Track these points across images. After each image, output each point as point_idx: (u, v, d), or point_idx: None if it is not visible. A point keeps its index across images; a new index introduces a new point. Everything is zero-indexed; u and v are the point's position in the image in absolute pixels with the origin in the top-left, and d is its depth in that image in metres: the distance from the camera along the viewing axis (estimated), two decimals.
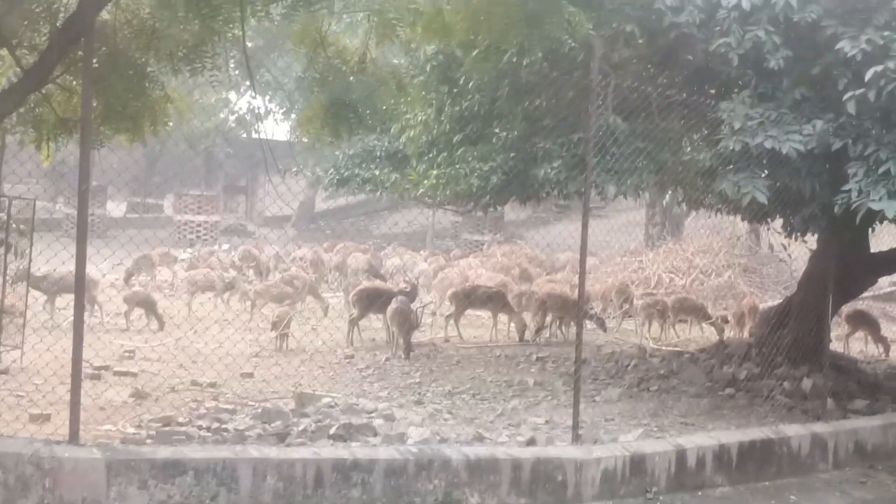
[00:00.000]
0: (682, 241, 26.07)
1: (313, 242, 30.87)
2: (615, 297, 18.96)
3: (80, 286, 6.87)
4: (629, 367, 13.52)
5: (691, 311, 17.16)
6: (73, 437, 6.89)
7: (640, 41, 11.38)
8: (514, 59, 11.16)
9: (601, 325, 16.46)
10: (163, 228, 31.95)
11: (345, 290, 17.96)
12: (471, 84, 12.01)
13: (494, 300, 16.51)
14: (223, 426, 9.34)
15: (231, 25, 6.93)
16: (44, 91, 7.51)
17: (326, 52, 8.69)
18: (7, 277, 12.26)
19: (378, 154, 15.87)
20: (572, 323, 15.50)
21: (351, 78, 8.49)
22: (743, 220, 15.40)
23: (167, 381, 11.61)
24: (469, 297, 16.39)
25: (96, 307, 15.69)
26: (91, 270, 7.54)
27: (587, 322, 15.88)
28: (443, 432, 9.23)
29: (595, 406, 11.09)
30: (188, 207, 35.38)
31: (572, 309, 15.06)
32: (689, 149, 12.14)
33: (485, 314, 17.22)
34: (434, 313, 17.21)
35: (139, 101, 7.57)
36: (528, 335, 16.03)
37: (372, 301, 14.81)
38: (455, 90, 12.37)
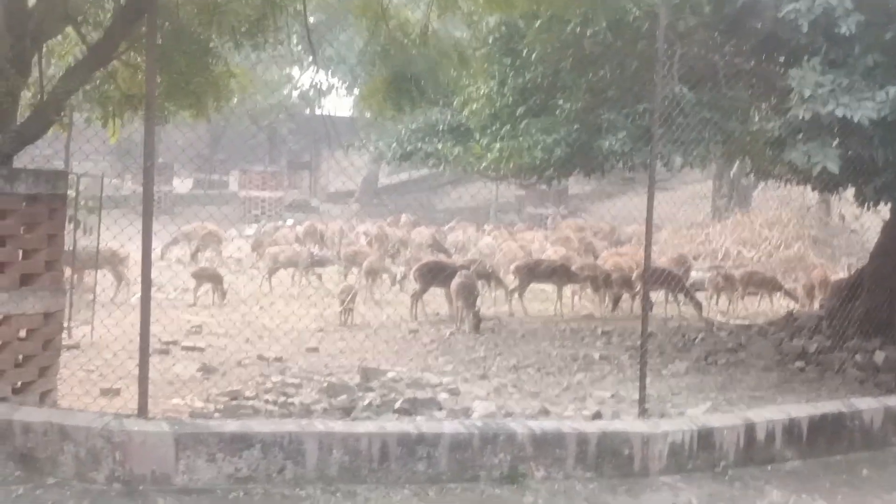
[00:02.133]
0: (750, 213, 25.70)
1: (377, 217, 30.96)
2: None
3: (147, 262, 6.91)
4: (696, 341, 13.35)
5: (761, 283, 16.93)
6: (142, 411, 6.95)
7: (707, 9, 11.17)
8: (578, 30, 11.01)
9: (695, 302, 15.90)
10: (228, 204, 32.17)
11: (407, 264, 17.95)
12: (534, 55, 11.86)
13: (559, 273, 16.41)
14: (289, 400, 9.38)
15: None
16: (109, 68, 7.54)
17: (388, 25, 8.65)
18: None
19: (441, 128, 15.78)
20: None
21: (413, 51, 8.42)
22: (813, 190, 15.12)
23: (234, 355, 11.68)
24: (533, 271, 16.31)
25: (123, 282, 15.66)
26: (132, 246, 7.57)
27: (683, 298, 15.72)
28: (508, 406, 9.19)
29: (662, 380, 10.97)
30: (253, 183, 35.61)
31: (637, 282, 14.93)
32: (757, 118, 11.91)
33: (549, 288, 17.11)
34: (497, 287, 17.14)
35: (202, 76, 7.57)
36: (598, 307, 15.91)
37: (435, 275, 14.78)
38: (518, 62, 12.24)
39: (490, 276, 16.84)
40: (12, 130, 6.71)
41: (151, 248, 7.07)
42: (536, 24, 11.17)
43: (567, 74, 11.79)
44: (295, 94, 37.36)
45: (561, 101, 12.04)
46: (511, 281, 16.91)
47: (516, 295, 16.30)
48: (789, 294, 16.45)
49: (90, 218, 12.22)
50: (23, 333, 6.86)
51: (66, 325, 11.90)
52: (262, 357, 11.59)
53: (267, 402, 9.30)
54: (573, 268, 16.74)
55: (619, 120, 11.26)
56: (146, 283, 7.03)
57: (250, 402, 9.18)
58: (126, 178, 33.04)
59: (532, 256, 19.27)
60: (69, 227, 11.71)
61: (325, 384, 10.00)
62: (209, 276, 16.02)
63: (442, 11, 8.83)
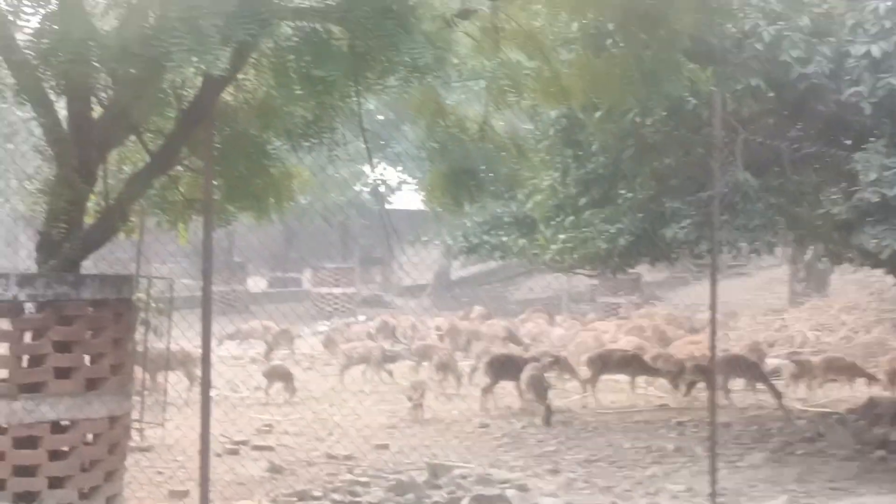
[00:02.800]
0: (828, 298, 25.26)
1: (449, 311, 30.96)
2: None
3: (207, 363, 6.97)
4: (774, 431, 13.06)
5: (841, 370, 16.52)
6: None
7: (769, 95, 11.15)
8: (637, 119, 11.04)
9: (773, 390, 15.45)
10: (301, 302, 32.45)
11: (477, 357, 17.85)
12: (594, 146, 11.92)
13: (632, 364, 16.19)
14: (357, 499, 9.34)
15: (347, 100, 7.03)
16: (171, 173, 7.70)
17: (445, 121, 8.73)
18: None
19: (506, 220, 15.84)
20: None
21: (470, 146, 8.49)
22: (887, 273, 14.82)
23: (304, 454, 11.70)
24: (606, 362, 16.12)
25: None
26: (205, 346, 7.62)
27: (760, 385, 15.38)
28: (577, 502, 9.04)
29: (738, 472, 10.72)
30: (325, 280, 35.90)
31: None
32: (824, 202, 11.77)
33: (622, 378, 16.88)
34: (569, 379, 16.97)
35: (261, 178, 7.70)
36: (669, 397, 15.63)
37: (505, 368, 14.69)
38: (580, 153, 12.29)
39: (562, 368, 16.68)
40: (78, 238, 6.86)
41: (211, 349, 7.14)
42: (596, 115, 11.22)
43: (628, 163, 11.79)
44: (366, 190, 37.79)
45: (623, 191, 12.03)
46: (584, 372, 16.73)
47: (589, 386, 16.10)
48: (870, 378, 16.01)
49: (161, 320, 12.36)
50: (89, 438, 6.92)
51: (138, 426, 12.05)
52: (332, 455, 11.58)
53: (334, 501, 9.26)
54: (646, 357, 16.51)
55: (683, 208, 11.21)
56: (206, 384, 7.08)
57: (318, 503, 9.15)
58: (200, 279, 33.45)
59: (604, 346, 19.07)
60: (140, 329, 11.92)
61: (394, 482, 9.94)
62: (280, 375, 16.09)
63: (496, 106, 8.90)
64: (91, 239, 6.97)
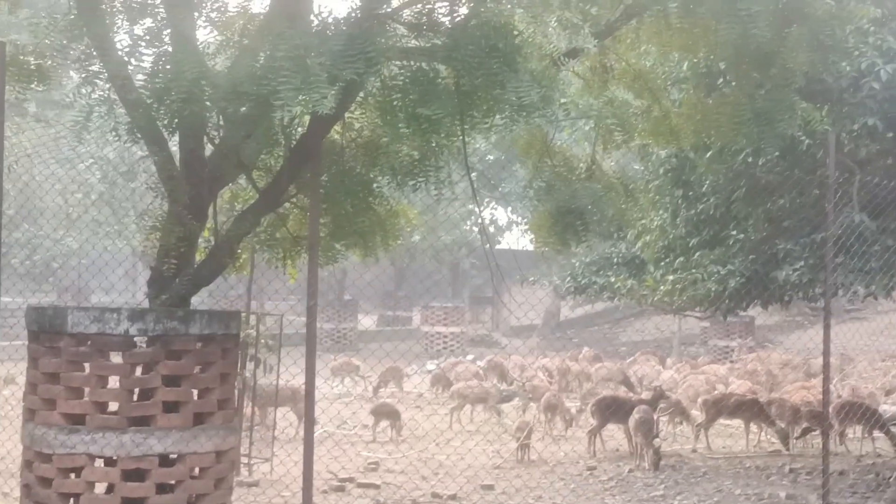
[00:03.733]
0: None
1: (558, 351, 30.77)
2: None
3: (310, 400, 7.01)
4: (891, 480, 12.62)
5: None
6: None
7: (887, 135, 10.89)
8: (749, 159, 10.88)
9: (892, 438, 14.93)
10: (411, 340, 32.58)
11: (583, 399, 17.66)
12: (705, 186, 11.77)
13: (748, 408, 15.79)
14: None
15: (453, 138, 7.04)
16: (279, 211, 7.81)
17: (553, 160, 8.72)
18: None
19: (615, 260, 15.70)
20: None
21: (577, 185, 8.45)
22: None
23: (409, 493, 11.69)
24: (720, 406, 15.76)
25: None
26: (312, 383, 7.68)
27: (879, 433, 14.91)
28: None
29: None
30: (435, 318, 35.99)
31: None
32: None
33: (735, 423, 16.52)
34: (681, 422, 16.67)
35: (367, 216, 7.75)
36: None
37: (613, 411, 14.50)
38: (690, 193, 12.16)
39: (674, 411, 16.39)
40: (188, 274, 6.98)
41: (315, 387, 7.18)
42: (707, 155, 11.09)
43: (740, 204, 11.62)
44: (476, 229, 37.94)
45: (734, 232, 11.84)
46: (696, 415, 16.42)
47: (701, 430, 15.78)
48: None
49: (271, 356, 12.53)
50: (196, 471, 7.01)
51: (245, 461, 12.20)
52: (437, 495, 11.54)
53: None
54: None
55: (796, 249, 10.98)
56: (309, 420, 7.12)
57: None
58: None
59: (716, 390, 18.70)
60: (250, 365, 12.10)
61: None
62: (387, 413, 16.14)
63: (604, 145, 8.86)
64: (201, 275, 7.08)
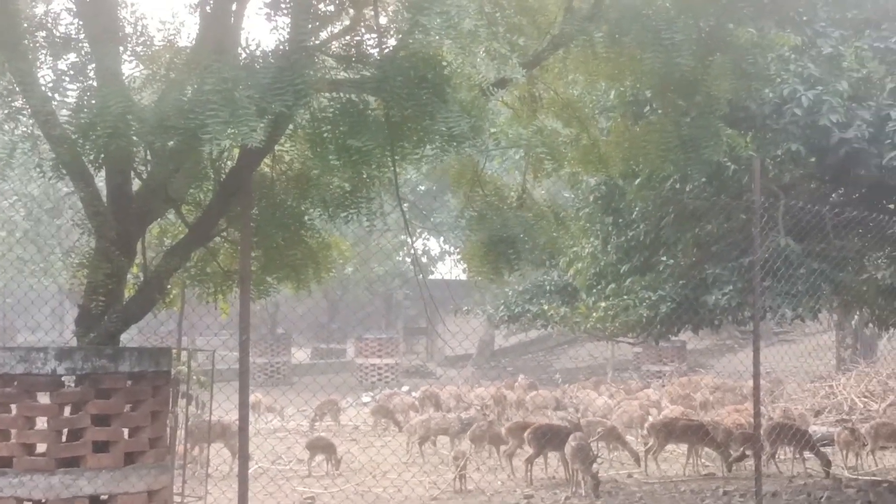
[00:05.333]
0: (875, 364, 24.85)
1: (495, 380, 30.76)
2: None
3: (244, 436, 6.93)
4: (822, 500, 12.76)
5: (891, 436, 16.16)
6: None
7: (811, 160, 11.10)
8: (677, 186, 11.02)
9: (822, 458, 15.11)
10: (345, 373, 32.37)
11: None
12: (635, 213, 11.89)
13: (694, 432, 15.82)
14: None
15: (384, 169, 7.03)
16: (210, 245, 7.74)
17: (484, 190, 8.75)
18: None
19: (548, 288, 15.81)
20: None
21: (509, 214, 8.48)
22: None
23: None
24: (669, 430, 15.80)
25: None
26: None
27: (810, 454, 15.08)
28: None
29: None
30: (369, 350, 35.84)
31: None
32: (868, 267, 11.65)
33: (669, 447, 16.60)
34: (615, 448, 16.74)
35: (298, 249, 7.71)
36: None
37: (548, 439, 14.51)
38: (620, 220, 12.27)
39: (611, 438, 16.44)
40: (117, 311, 6.88)
41: (248, 422, 7.09)
42: (636, 182, 11.21)
43: (669, 230, 11.75)
44: (408, 260, 37.98)
45: (664, 258, 11.97)
46: (631, 440, 16.48)
47: (635, 455, 15.85)
48: None
49: (203, 393, 12.35)
50: None
51: (180, 501, 11.99)
52: None
53: None
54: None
55: (725, 274, 11.12)
56: (244, 456, 7.03)
57: None
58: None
59: (649, 415, 18.84)
60: (181, 402, 11.91)
61: None
62: (323, 447, 15.99)
63: (537, 175, 8.92)
64: (130, 312, 6.98)
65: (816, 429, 17.67)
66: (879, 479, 14.47)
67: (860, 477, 14.77)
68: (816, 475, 14.87)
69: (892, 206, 11.25)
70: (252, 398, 20.63)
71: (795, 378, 25.22)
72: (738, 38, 8.11)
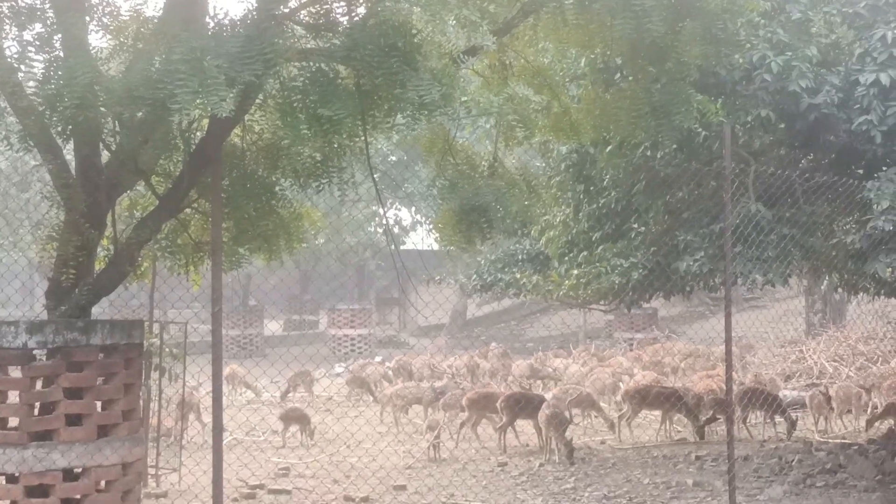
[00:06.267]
0: (845, 328, 25.06)
1: (469, 349, 30.83)
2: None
3: (218, 407, 6.92)
4: (794, 463, 12.90)
5: (846, 400, 16.31)
6: None
7: (781, 126, 11.14)
8: (648, 153, 11.04)
9: (789, 423, 15.28)
10: (318, 344, 32.36)
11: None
12: (606, 180, 11.91)
13: (666, 399, 15.91)
14: None
15: (355, 139, 7.01)
16: (180, 216, 7.69)
17: (455, 158, 8.74)
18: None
19: (520, 257, 15.81)
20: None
21: (480, 183, 8.48)
22: None
23: (321, 497, 11.61)
24: (643, 397, 15.89)
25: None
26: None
27: (780, 418, 15.24)
28: None
29: None
30: (342, 321, 35.80)
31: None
32: (838, 232, 11.73)
33: (642, 413, 16.71)
34: (589, 415, 16.87)
35: (270, 220, 7.68)
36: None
37: (521, 406, 14.58)
38: (591, 188, 12.29)
39: (585, 404, 16.53)
40: (88, 283, 6.84)
41: (222, 394, 7.08)
42: (607, 150, 11.21)
43: (640, 197, 11.78)
44: (380, 231, 37.92)
45: (636, 225, 12.00)
46: (605, 407, 16.60)
47: (609, 421, 15.96)
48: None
49: (176, 365, 12.33)
50: (102, 485, 6.87)
51: (154, 473, 12.01)
52: (349, 498, 11.47)
53: None
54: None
55: (696, 241, 11.16)
56: (217, 428, 7.02)
57: None
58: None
59: (621, 381, 18.97)
60: (154, 374, 11.90)
61: None
62: (297, 418, 16.01)
63: (506, 142, 8.91)
64: (101, 284, 6.95)
65: (787, 393, 17.84)
66: (849, 441, 14.63)
67: (830, 440, 14.94)
68: (787, 439, 15.04)
69: (860, 171, 11.30)
70: (228, 370, 20.69)
71: (766, 343, 25.41)
72: (708, 4, 8.10)
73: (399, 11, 6.46)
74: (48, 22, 6.49)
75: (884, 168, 10.42)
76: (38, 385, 6.55)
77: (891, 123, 10.05)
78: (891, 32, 10.27)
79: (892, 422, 15.12)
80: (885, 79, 10.02)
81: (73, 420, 6.58)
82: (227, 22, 6.50)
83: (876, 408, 16.19)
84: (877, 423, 15.21)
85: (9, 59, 6.40)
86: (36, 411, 6.55)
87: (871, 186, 10.00)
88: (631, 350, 27.83)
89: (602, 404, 17.03)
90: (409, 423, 17.01)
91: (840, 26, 10.73)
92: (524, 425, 15.15)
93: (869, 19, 10.73)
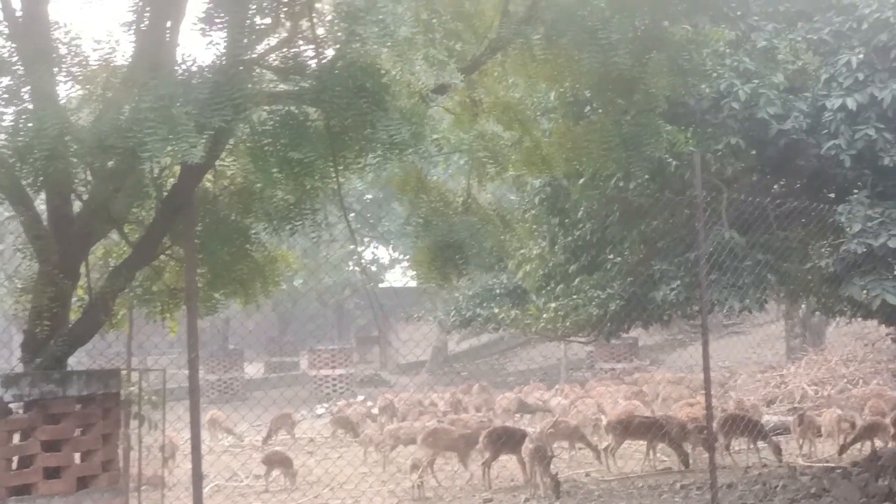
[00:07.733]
0: (824, 351, 25.17)
1: (450, 385, 30.75)
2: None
3: (197, 454, 6.87)
4: (777, 489, 12.89)
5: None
6: None
7: (752, 153, 11.22)
8: (621, 184, 11.09)
9: (774, 447, 15.33)
10: (298, 386, 32.16)
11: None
12: (580, 213, 11.95)
13: (648, 429, 15.88)
14: None
15: (328, 180, 7.01)
16: (155, 263, 7.66)
17: (429, 196, 8.76)
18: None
19: (497, 291, 15.81)
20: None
21: (455, 219, 8.49)
22: (879, 324, 14.77)
23: None
24: (626, 427, 15.85)
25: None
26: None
27: (763, 443, 15.25)
28: None
29: None
30: (322, 362, 35.58)
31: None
32: (812, 256, 11.80)
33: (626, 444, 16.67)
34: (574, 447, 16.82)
35: (245, 264, 7.67)
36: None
37: (504, 441, 14.53)
38: (566, 220, 12.33)
39: (572, 437, 16.49)
40: (63, 334, 6.79)
41: (200, 440, 7.03)
42: (580, 182, 11.26)
43: (615, 228, 11.82)
44: (358, 270, 37.89)
45: (611, 256, 12.04)
46: (593, 439, 16.56)
47: (596, 451, 15.91)
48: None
49: (154, 413, 12.22)
50: None
51: None
52: None
53: None
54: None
55: (671, 269, 11.19)
56: (197, 476, 6.96)
57: None
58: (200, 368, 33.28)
59: (604, 413, 18.94)
60: (134, 423, 11.78)
61: None
62: (279, 461, 15.89)
63: (481, 179, 8.95)
64: (76, 335, 6.90)
65: (769, 418, 17.87)
66: (833, 465, 14.64)
67: (814, 464, 14.94)
68: (771, 465, 15.03)
69: (832, 195, 11.39)
70: (208, 416, 20.55)
71: (746, 368, 25.47)
72: (674, 35, 8.19)
73: (367, 53, 6.49)
74: (17, 74, 6.49)
75: (854, 191, 10.51)
76: (16, 439, 6.48)
77: (859, 147, 10.14)
78: (855, 58, 10.39)
79: (873, 444, 15.17)
80: (851, 103, 10.12)
81: (52, 473, 6.51)
82: (195, 68, 6.50)
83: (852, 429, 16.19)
84: (858, 445, 15.24)
85: None
86: (14, 465, 6.48)
87: (842, 210, 10.07)
88: (614, 380, 27.79)
89: (586, 435, 16.97)
90: (392, 462, 16.90)
91: (805, 53, 10.84)
92: (506, 460, 15.10)
93: (834, 45, 10.85)
